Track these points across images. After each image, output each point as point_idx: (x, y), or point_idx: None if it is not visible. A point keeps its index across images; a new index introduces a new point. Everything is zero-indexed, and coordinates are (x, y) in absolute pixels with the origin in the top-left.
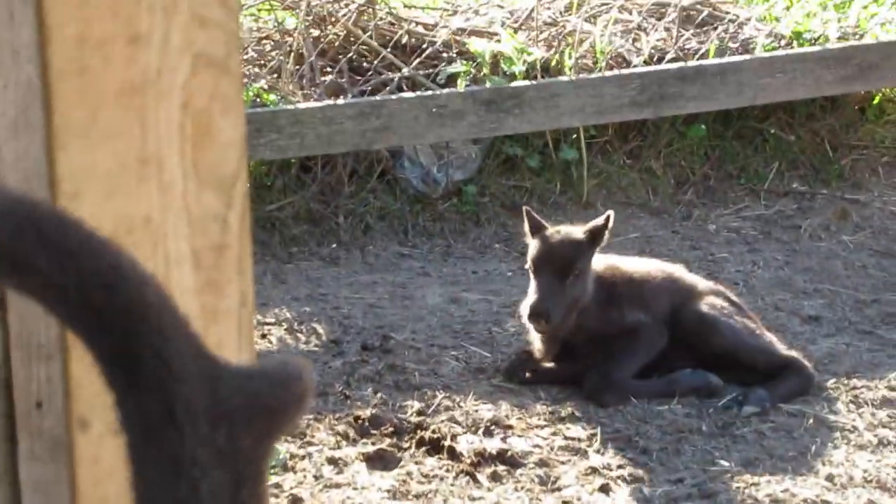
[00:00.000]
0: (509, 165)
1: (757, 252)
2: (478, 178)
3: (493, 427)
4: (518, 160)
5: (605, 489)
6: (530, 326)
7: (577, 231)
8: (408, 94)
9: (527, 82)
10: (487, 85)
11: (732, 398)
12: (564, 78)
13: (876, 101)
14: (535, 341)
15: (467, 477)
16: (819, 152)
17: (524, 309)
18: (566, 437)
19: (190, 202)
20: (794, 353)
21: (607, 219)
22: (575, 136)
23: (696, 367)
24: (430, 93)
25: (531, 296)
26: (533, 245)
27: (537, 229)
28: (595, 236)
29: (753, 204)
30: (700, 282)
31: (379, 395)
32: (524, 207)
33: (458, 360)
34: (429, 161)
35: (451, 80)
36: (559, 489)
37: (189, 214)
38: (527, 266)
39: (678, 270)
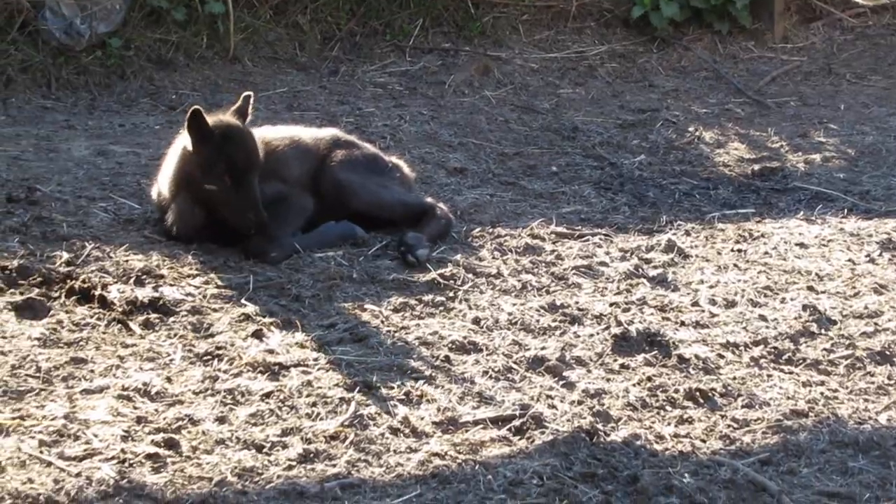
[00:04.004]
0: (155, 18)
1: (403, 107)
2: (123, 30)
3: (144, 277)
4: (164, 13)
5: (258, 335)
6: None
7: (238, 123)
8: None
9: None
10: None
11: (398, 251)
12: None
13: None
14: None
15: (119, 325)
16: (462, 9)
17: (244, 222)
18: (218, 286)
19: None
20: (428, 199)
21: (247, 99)
22: None
23: (342, 219)
24: None
25: (250, 208)
26: (230, 151)
27: (208, 132)
28: (245, 117)
29: (399, 60)
30: (325, 137)
31: (26, 246)
32: (193, 107)
33: (107, 211)
34: (72, 13)
35: None
36: (212, 335)
37: None
38: (221, 174)
39: (304, 133)
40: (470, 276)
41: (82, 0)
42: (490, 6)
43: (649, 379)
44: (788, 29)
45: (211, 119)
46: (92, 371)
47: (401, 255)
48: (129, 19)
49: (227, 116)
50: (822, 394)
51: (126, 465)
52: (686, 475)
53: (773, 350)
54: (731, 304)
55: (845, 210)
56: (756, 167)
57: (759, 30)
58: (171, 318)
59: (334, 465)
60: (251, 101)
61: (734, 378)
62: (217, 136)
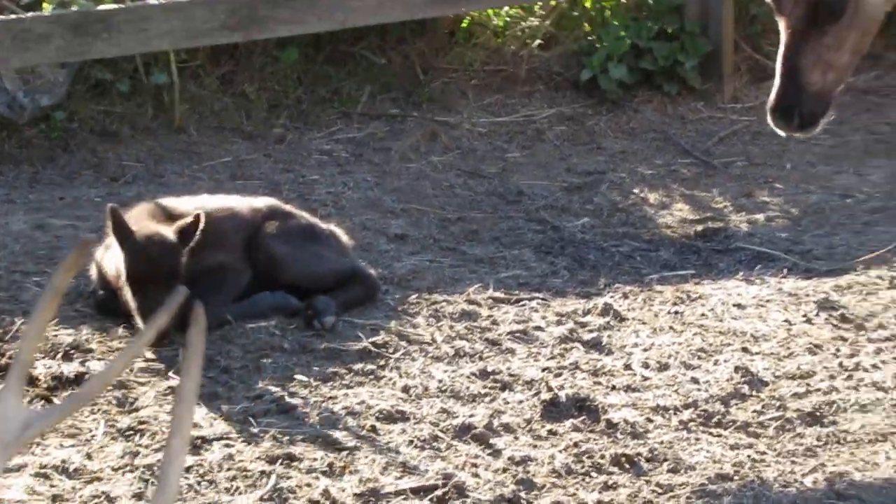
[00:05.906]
0: (99, 90)
1: (348, 174)
2: (66, 103)
3: (72, 351)
4: (108, 85)
5: None
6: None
7: (168, 233)
8: None
9: (115, 6)
10: (74, 8)
11: (304, 314)
12: (153, 1)
13: (465, 25)
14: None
15: (43, 401)
16: (410, 76)
17: (140, 322)
18: (147, 360)
19: None
20: (359, 265)
21: (197, 219)
22: (166, 60)
23: (276, 289)
24: (13, 16)
25: (139, 311)
26: (129, 258)
27: (126, 235)
28: (186, 237)
29: (346, 127)
30: (261, 208)
31: None
32: (109, 206)
33: (40, 286)
34: (14, 86)
35: (37, 3)
36: (136, 410)
37: None
38: (122, 277)
39: (239, 203)
40: (403, 343)
41: (25, 73)
42: (439, 72)
43: (576, 445)
44: (738, 89)
45: (138, 222)
46: None
47: (306, 319)
48: (72, 92)
49: (155, 227)
50: (749, 456)
51: None
52: None
53: (702, 413)
54: (663, 367)
55: (785, 270)
56: (699, 228)
57: (709, 90)
58: None
59: None
60: (201, 222)
61: (661, 442)
62: (127, 240)
